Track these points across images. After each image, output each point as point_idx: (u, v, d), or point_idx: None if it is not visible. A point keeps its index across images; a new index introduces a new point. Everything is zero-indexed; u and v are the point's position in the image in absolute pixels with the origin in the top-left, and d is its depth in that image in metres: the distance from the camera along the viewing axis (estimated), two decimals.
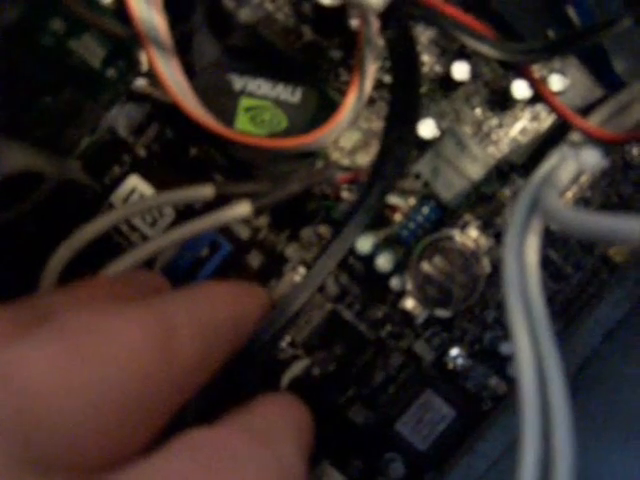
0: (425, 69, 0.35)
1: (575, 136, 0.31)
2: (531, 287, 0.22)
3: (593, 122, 0.31)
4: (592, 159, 0.26)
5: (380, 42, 0.31)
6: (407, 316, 0.36)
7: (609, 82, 0.36)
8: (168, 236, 0.30)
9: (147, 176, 0.35)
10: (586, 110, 0.35)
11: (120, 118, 0.34)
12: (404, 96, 0.27)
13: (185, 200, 0.31)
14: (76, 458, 0.15)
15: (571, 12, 0.35)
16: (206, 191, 0.31)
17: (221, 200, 0.31)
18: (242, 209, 0.30)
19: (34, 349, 0.15)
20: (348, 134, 0.35)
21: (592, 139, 0.31)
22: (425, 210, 0.35)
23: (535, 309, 0.22)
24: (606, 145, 0.30)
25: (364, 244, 0.35)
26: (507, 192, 0.36)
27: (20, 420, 0.14)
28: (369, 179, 0.26)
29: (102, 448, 0.16)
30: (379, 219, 0.35)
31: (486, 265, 0.35)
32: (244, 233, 0.35)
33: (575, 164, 0.26)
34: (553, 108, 0.32)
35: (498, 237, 0.36)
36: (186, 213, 0.35)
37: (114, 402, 0.16)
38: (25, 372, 0.15)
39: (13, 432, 0.14)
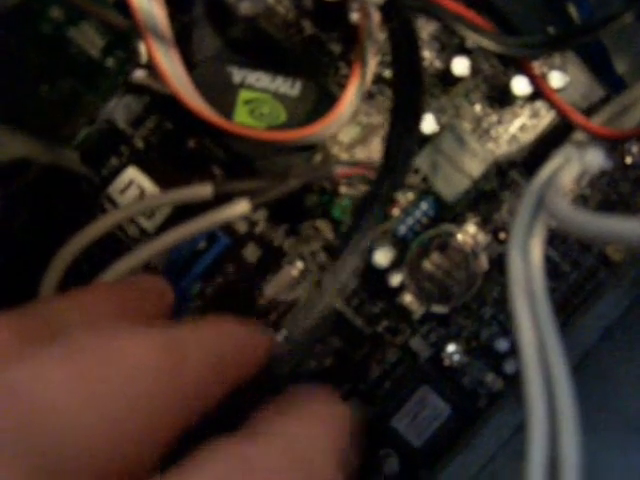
0: (425, 64, 0.35)
1: (579, 135, 0.31)
2: (536, 287, 0.22)
3: (594, 122, 0.31)
4: (596, 160, 0.26)
5: (380, 36, 0.31)
6: (404, 312, 0.36)
7: (610, 81, 0.36)
8: (168, 237, 0.30)
9: (145, 168, 0.35)
10: (586, 108, 0.35)
11: (119, 109, 0.34)
12: (409, 87, 0.27)
13: (183, 200, 0.31)
14: (89, 477, 0.15)
15: (572, 9, 0.35)
16: (205, 190, 0.31)
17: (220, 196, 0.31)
18: (241, 207, 0.31)
19: (46, 369, 0.15)
20: (347, 128, 0.35)
21: (592, 136, 0.31)
22: (423, 206, 0.35)
23: (540, 308, 0.22)
24: (606, 142, 0.30)
25: None
26: (506, 189, 0.36)
27: (33, 440, 0.14)
28: (378, 173, 0.26)
29: (113, 467, 0.16)
30: None
31: (484, 261, 0.35)
32: (242, 226, 0.35)
33: (579, 164, 0.26)
34: (553, 105, 0.32)
35: (496, 233, 0.36)
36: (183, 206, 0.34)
37: (124, 422, 0.16)
38: (38, 392, 0.15)
39: (26, 452, 0.14)
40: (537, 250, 0.23)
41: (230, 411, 0.20)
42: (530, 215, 0.24)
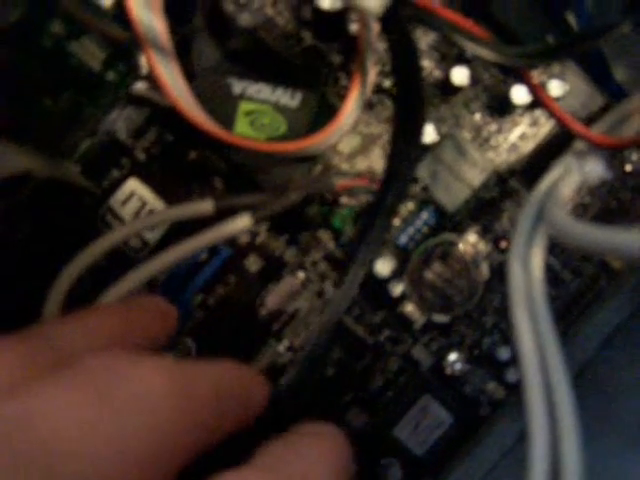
0: (424, 74, 0.35)
1: (579, 144, 0.31)
2: (536, 296, 0.22)
3: (595, 131, 0.31)
4: (596, 170, 0.26)
5: (380, 46, 0.31)
6: (406, 321, 0.36)
7: (609, 90, 0.36)
8: (171, 253, 0.31)
9: (146, 180, 0.35)
10: (586, 116, 0.35)
11: (119, 121, 0.34)
12: (410, 98, 0.27)
13: (185, 216, 0.32)
14: None
15: (570, 17, 0.35)
16: (206, 206, 0.31)
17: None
18: (243, 221, 0.31)
19: (53, 398, 0.15)
20: (347, 138, 0.35)
21: (591, 144, 0.31)
22: (424, 215, 0.35)
23: (540, 317, 0.22)
24: (606, 151, 0.30)
25: None
26: (506, 197, 0.36)
27: (43, 472, 0.14)
28: (382, 184, 0.26)
29: None
30: None
31: (485, 270, 0.35)
32: (243, 237, 0.35)
33: (579, 175, 0.26)
34: (552, 113, 0.32)
35: (497, 242, 0.36)
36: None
37: (132, 450, 0.16)
38: (50, 422, 0.15)
39: None
40: (537, 260, 0.23)
41: (234, 447, 0.20)
42: (530, 226, 0.24)
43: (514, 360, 0.36)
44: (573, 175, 0.25)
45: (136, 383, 0.17)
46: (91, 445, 0.15)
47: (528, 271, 0.23)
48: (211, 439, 0.19)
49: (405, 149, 0.26)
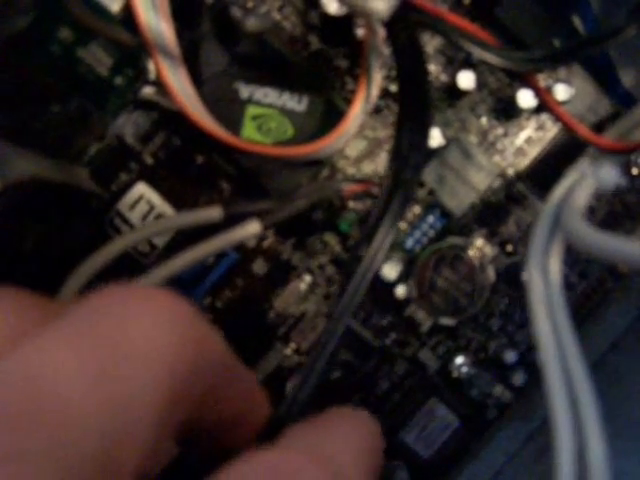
0: (431, 78, 0.35)
1: (592, 149, 0.31)
2: (556, 304, 0.22)
3: (606, 138, 0.31)
4: (610, 176, 0.26)
5: (386, 51, 0.31)
6: (412, 324, 0.36)
7: (616, 93, 0.36)
8: (181, 260, 0.31)
9: (154, 184, 0.35)
10: (593, 120, 0.35)
11: (127, 126, 0.35)
12: (415, 100, 0.27)
13: (194, 223, 0.32)
14: (100, 464, 0.14)
15: (576, 21, 0.35)
16: (214, 213, 0.31)
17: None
18: (252, 228, 0.31)
19: (53, 350, 0.14)
20: (354, 143, 0.35)
21: (598, 149, 0.31)
22: (430, 219, 0.36)
23: (561, 325, 0.22)
24: (614, 155, 0.30)
25: None
26: (512, 201, 0.36)
27: (42, 431, 0.13)
28: (388, 189, 0.26)
29: (140, 452, 0.14)
30: None
31: (491, 274, 0.35)
32: (250, 241, 0.36)
33: (593, 182, 0.26)
34: (558, 118, 0.32)
35: (503, 246, 0.36)
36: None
37: (138, 404, 0.14)
38: (44, 377, 0.13)
39: (35, 445, 0.13)
40: (555, 269, 0.23)
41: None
42: (547, 235, 0.24)
43: (521, 363, 0.36)
44: (588, 182, 0.25)
45: (140, 332, 0.15)
46: (89, 400, 0.13)
47: (547, 280, 0.23)
48: (208, 411, 0.18)
49: (411, 152, 0.26)
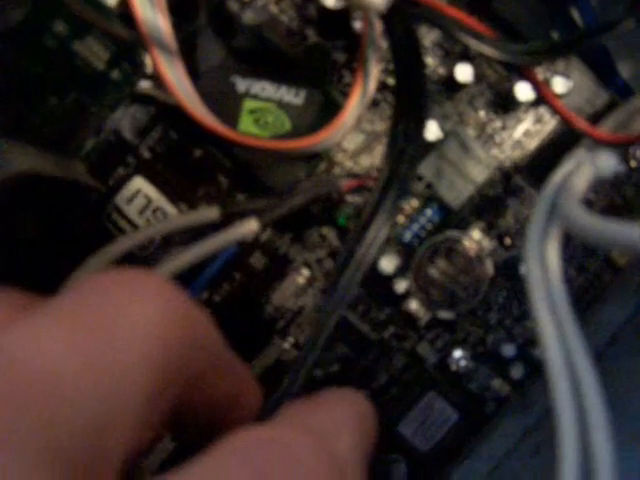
0: (428, 71, 0.35)
1: (590, 142, 0.31)
2: (555, 291, 0.22)
3: (601, 130, 0.31)
4: (609, 164, 0.26)
5: (383, 44, 0.31)
6: (410, 318, 0.36)
7: (614, 86, 0.36)
8: (180, 259, 0.31)
9: (151, 178, 0.35)
10: (591, 112, 0.35)
11: (124, 120, 0.35)
12: (412, 93, 0.27)
13: (192, 224, 0.32)
14: (90, 446, 0.13)
15: (575, 14, 0.35)
16: (212, 213, 0.31)
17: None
18: (250, 226, 0.31)
19: (41, 330, 0.14)
20: (351, 136, 0.35)
21: (596, 141, 0.31)
22: (428, 212, 0.36)
23: (561, 312, 0.22)
24: (611, 147, 0.30)
25: None
26: (510, 194, 0.36)
27: (30, 415, 0.13)
28: (383, 182, 0.26)
29: (130, 434, 0.14)
30: None
31: (489, 267, 0.35)
32: None
33: (591, 169, 0.26)
34: (556, 110, 0.32)
35: (501, 239, 0.36)
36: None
37: (128, 384, 0.14)
38: (32, 358, 0.13)
39: (35, 431, 0.12)
40: (553, 255, 0.23)
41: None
42: (544, 221, 0.24)
43: (519, 356, 0.36)
44: (586, 168, 0.25)
45: (129, 313, 0.15)
46: (78, 381, 0.13)
47: (545, 266, 0.23)
48: (199, 395, 0.18)
49: (407, 145, 0.26)
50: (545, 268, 0.23)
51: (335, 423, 0.19)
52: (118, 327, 0.15)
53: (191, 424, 0.20)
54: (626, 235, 0.19)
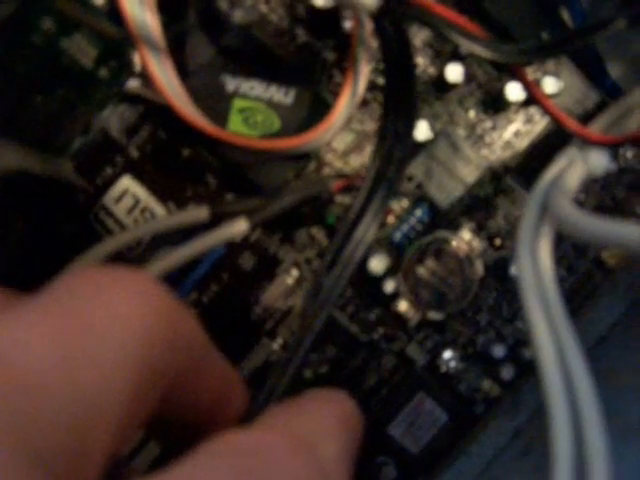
0: (419, 71, 0.35)
1: (580, 142, 0.31)
2: (547, 289, 0.22)
3: (591, 130, 0.31)
4: (600, 162, 0.25)
5: (373, 43, 0.31)
6: (400, 319, 0.36)
7: (604, 86, 0.36)
8: (169, 259, 0.31)
9: (139, 177, 0.35)
10: (581, 113, 0.35)
11: (113, 119, 0.34)
12: (402, 93, 0.27)
13: (180, 224, 0.32)
14: (84, 449, 0.13)
15: (565, 14, 0.35)
16: (201, 213, 0.31)
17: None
18: (240, 227, 0.31)
19: (23, 328, 0.14)
20: (341, 136, 0.35)
21: (587, 142, 0.31)
22: (418, 212, 0.35)
23: (553, 310, 0.22)
24: (601, 147, 0.30)
25: None
26: (500, 195, 0.36)
27: (23, 414, 0.12)
28: (370, 185, 0.26)
29: (112, 432, 0.14)
30: None
31: (479, 268, 0.35)
32: None
33: (583, 167, 0.26)
34: (546, 111, 0.32)
35: (491, 240, 0.36)
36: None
37: (111, 382, 0.14)
38: (21, 354, 0.13)
39: (16, 428, 0.12)
40: (545, 252, 0.23)
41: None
42: (536, 219, 0.23)
43: (509, 357, 0.36)
44: (578, 166, 0.25)
45: (113, 311, 0.15)
46: (60, 379, 0.13)
47: (537, 264, 0.22)
48: (182, 394, 0.18)
49: (395, 145, 0.26)
50: (537, 267, 0.23)
51: (319, 425, 0.19)
52: (102, 324, 0.15)
53: (175, 425, 0.19)
54: (618, 232, 0.19)
